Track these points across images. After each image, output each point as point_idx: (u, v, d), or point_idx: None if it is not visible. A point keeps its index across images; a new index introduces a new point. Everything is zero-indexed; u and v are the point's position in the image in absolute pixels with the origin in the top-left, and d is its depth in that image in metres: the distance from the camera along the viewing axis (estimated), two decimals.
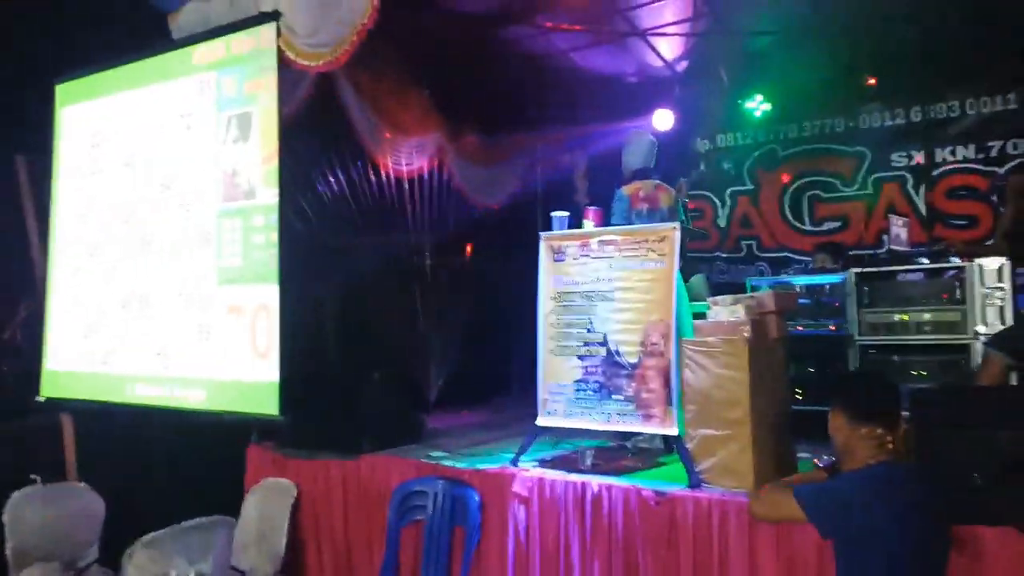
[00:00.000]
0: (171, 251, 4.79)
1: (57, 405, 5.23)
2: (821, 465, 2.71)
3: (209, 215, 4.61)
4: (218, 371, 4.48)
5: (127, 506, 4.39)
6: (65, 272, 5.39)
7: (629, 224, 4.15)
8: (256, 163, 4.42)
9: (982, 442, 2.52)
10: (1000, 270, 3.98)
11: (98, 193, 5.25)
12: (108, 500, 4.30)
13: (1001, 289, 3.95)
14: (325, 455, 4.26)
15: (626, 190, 4.40)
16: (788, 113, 6.82)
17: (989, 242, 4.56)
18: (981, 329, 3.95)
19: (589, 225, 3.92)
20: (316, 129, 4.99)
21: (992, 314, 3.95)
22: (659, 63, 6.58)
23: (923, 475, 2.42)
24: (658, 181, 4.47)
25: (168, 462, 4.69)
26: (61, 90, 5.57)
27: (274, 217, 4.31)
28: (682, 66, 6.66)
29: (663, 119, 6.92)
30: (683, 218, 4.52)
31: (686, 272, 4.12)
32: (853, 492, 2.30)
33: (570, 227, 3.96)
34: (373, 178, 5.46)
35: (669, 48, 6.37)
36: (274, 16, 4.41)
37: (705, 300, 3.71)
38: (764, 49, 6.24)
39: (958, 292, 4.06)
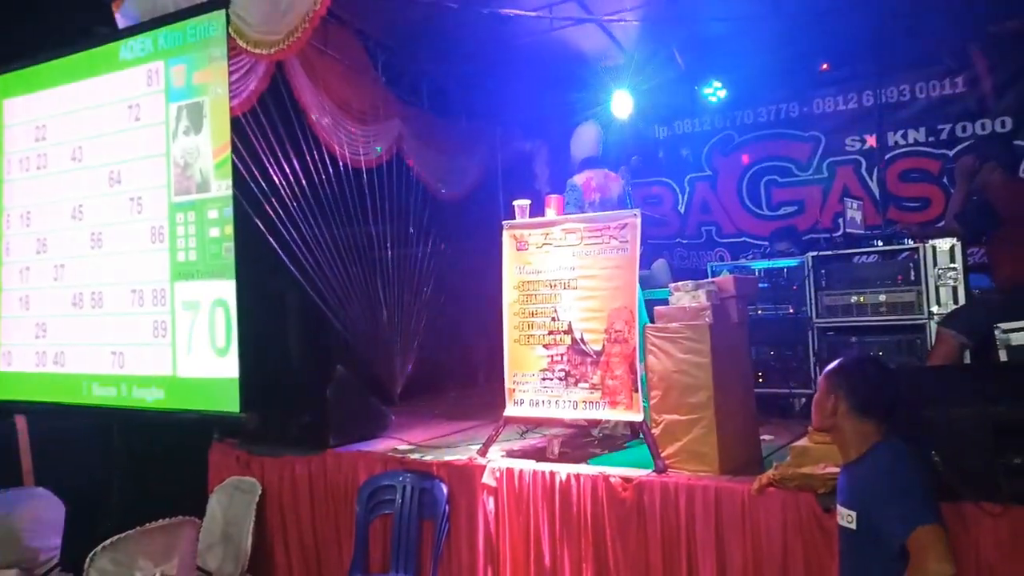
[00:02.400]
0: (123, 247, 4.66)
1: (10, 407, 5.06)
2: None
3: (161, 209, 4.49)
4: (176, 369, 4.39)
5: (88, 509, 4.29)
6: (13, 271, 5.22)
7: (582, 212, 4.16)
8: (208, 155, 4.31)
9: (939, 420, 2.58)
10: (952, 251, 4.08)
11: (44, 189, 5.08)
12: (68, 503, 4.19)
13: (953, 269, 4.05)
14: (289, 451, 4.21)
15: (578, 180, 4.46)
16: (744, 99, 6.88)
17: (940, 224, 4.67)
18: (935, 309, 4.05)
19: (551, 213, 3.91)
20: (271, 119, 4.90)
21: (945, 294, 4.05)
22: (616, 49, 6.58)
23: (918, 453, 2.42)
24: (607, 170, 4.55)
25: (129, 463, 4.58)
26: (1, 81, 5.37)
27: (229, 210, 4.21)
28: (638, 52, 6.66)
29: (621, 105, 6.94)
30: (630, 205, 4.60)
31: (647, 259, 4.14)
32: (922, 473, 2.30)
33: (532, 215, 3.95)
34: (331, 168, 5.37)
35: (625, 34, 6.37)
36: (223, 3, 4.29)
37: (667, 286, 3.74)
38: (719, 35, 6.27)
39: (912, 273, 4.16)
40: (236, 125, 4.30)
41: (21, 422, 4.99)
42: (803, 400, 4.59)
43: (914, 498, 2.21)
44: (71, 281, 4.89)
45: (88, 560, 3.27)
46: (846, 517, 2.35)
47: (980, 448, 2.52)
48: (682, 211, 7.31)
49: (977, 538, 2.54)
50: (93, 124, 4.85)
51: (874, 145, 6.38)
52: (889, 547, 2.20)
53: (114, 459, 4.76)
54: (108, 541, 3.26)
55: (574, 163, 4.65)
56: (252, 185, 4.69)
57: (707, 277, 4.47)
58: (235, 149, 4.25)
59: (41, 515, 4.14)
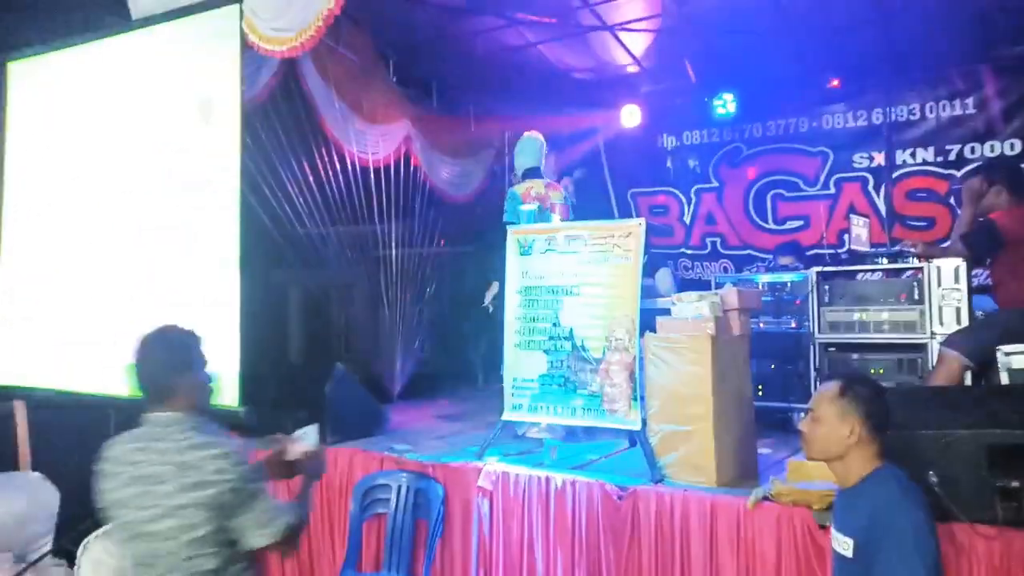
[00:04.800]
0: (127, 237, 4.67)
1: (8, 393, 5.07)
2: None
3: (167, 200, 4.50)
4: None
5: (83, 496, 4.27)
6: (13, 259, 5.22)
7: (520, 222, 4.22)
8: (217, 148, 4.32)
9: (937, 441, 2.57)
10: (957, 271, 4.05)
11: (50, 179, 5.08)
12: (63, 490, 4.19)
13: (958, 290, 4.03)
14: None
15: (517, 189, 4.57)
16: (753, 112, 6.88)
17: (946, 244, 4.65)
18: (938, 329, 4.03)
19: (556, 219, 3.92)
20: (280, 115, 4.91)
21: (949, 314, 4.03)
22: (627, 59, 6.59)
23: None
24: (548, 180, 4.69)
25: None
26: (11, 69, 5.36)
27: (235, 203, 4.21)
28: (650, 62, 6.67)
29: (630, 115, 6.96)
30: (572, 216, 4.68)
31: (650, 268, 4.15)
32: (926, 512, 2.15)
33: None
34: (339, 166, 5.39)
35: (637, 44, 6.38)
36: None
37: (670, 295, 3.73)
38: (731, 48, 6.28)
39: (916, 292, 4.14)
40: (246, 119, 4.31)
41: (20, 406, 5.00)
42: (802, 415, 4.58)
43: (916, 562, 2.05)
44: (73, 270, 4.90)
45: (81, 548, 3.27)
46: (842, 544, 2.26)
47: (976, 470, 2.51)
48: (687, 222, 7.31)
49: (971, 560, 2.53)
50: (102, 115, 4.86)
51: (882, 163, 6.38)
52: None
53: None
54: (102, 530, 3.26)
55: (517, 172, 4.81)
56: (259, 179, 4.70)
57: (711, 288, 4.48)
58: (243, 143, 4.26)
59: (36, 501, 4.15)
